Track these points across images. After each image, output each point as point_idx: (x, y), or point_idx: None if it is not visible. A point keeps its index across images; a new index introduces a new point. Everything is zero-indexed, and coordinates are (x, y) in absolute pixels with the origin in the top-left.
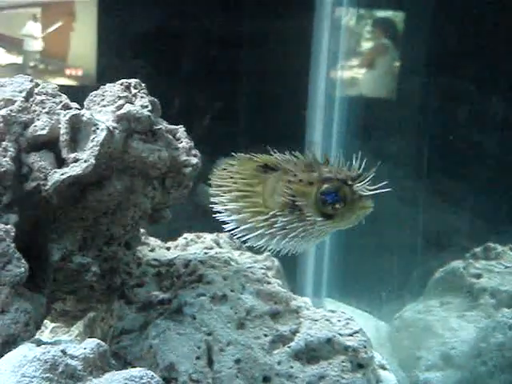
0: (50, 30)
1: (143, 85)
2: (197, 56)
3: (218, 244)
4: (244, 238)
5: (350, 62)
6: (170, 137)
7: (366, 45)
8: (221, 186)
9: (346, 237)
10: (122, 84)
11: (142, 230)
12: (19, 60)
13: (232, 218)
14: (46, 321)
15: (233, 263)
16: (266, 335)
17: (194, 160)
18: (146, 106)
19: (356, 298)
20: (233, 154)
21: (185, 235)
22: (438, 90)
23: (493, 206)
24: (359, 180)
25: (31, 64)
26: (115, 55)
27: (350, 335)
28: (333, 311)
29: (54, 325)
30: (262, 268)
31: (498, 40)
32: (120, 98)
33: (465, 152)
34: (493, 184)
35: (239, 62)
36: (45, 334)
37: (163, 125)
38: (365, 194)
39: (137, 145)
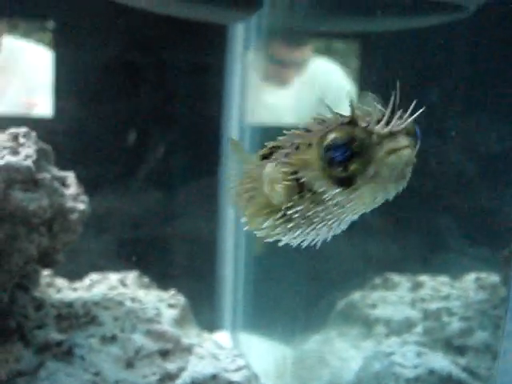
0: None
1: (33, 134)
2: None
3: (123, 284)
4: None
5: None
6: (57, 184)
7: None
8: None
9: (259, 269)
10: (10, 133)
11: (47, 272)
12: None
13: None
14: None
15: (127, 303)
16: (153, 373)
17: (81, 206)
18: (30, 156)
19: (269, 329)
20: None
21: (91, 276)
22: None
23: (409, 236)
24: (378, 119)
25: None
26: (72, 86)
27: (236, 371)
28: (223, 348)
29: None
30: (156, 308)
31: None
32: (5, 148)
33: None
34: (408, 213)
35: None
36: None
37: (52, 172)
38: (387, 130)
39: (17, 194)
